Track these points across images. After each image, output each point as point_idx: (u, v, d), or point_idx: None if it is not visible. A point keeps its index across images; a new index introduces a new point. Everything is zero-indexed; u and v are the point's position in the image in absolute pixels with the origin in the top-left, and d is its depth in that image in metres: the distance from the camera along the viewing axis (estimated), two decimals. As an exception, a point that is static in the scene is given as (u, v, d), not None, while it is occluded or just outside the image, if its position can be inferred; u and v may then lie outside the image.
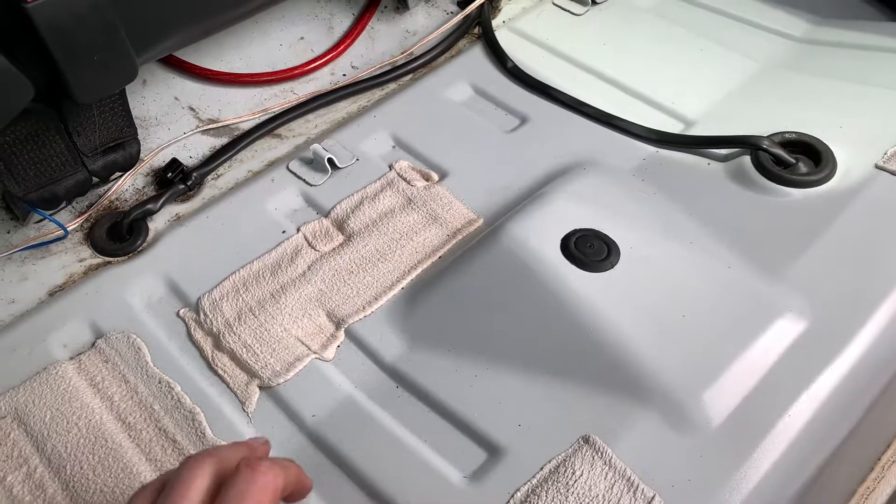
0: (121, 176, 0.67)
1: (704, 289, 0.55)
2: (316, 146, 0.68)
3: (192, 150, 0.71)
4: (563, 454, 0.48)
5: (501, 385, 0.52)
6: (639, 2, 0.86)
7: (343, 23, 0.82)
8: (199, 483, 0.35)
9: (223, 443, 0.50)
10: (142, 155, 0.67)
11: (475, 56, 0.80)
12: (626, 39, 0.81)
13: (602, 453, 0.47)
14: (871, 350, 0.52)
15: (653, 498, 0.45)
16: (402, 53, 0.81)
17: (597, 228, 0.57)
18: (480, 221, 0.64)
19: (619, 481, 0.46)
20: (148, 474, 0.49)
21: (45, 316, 0.58)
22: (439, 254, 0.62)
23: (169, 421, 0.52)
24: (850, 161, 0.64)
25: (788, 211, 0.61)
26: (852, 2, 0.84)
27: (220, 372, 0.54)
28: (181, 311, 0.58)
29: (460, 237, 0.63)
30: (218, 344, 0.56)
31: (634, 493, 0.45)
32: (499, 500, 0.46)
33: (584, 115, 0.72)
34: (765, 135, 0.65)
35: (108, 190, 0.66)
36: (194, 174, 0.67)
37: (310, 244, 0.62)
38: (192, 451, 0.49)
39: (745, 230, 0.60)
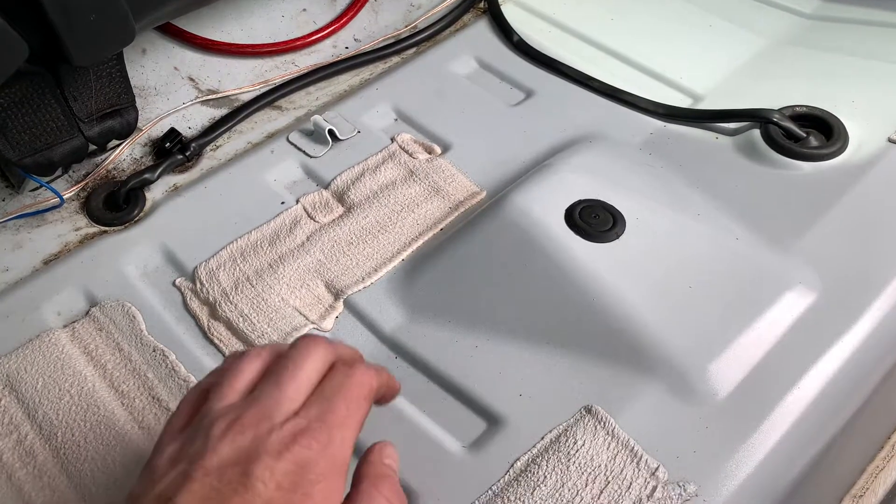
0: (118, 144, 0.66)
1: (712, 260, 0.53)
2: (317, 117, 0.66)
3: (192, 121, 0.69)
4: (564, 424, 0.46)
5: (502, 355, 0.51)
6: (647, -23, 0.84)
7: (346, -5, 0.81)
8: (311, 365, 0.36)
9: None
10: (140, 125, 0.66)
11: (480, 30, 0.79)
12: (633, 14, 0.79)
13: (605, 423, 0.46)
14: (881, 324, 0.51)
15: (657, 469, 0.44)
16: (406, 27, 0.79)
17: (602, 199, 0.56)
18: (483, 194, 0.63)
19: (622, 451, 0.44)
20: (141, 442, 0.48)
21: (40, 284, 0.57)
22: (441, 226, 0.60)
23: (163, 389, 0.51)
24: (863, 135, 0.62)
25: (799, 184, 0.60)
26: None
27: (216, 341, 0.53)
28: (177, 281, 0.57)
29: (462, 210, 0.61)
30: (214, 313, 0.55)
31: (638, 463, 0.44)
32: (499, 470, 0.45)
33: (591, 89, 0.71)
34: (775, 108, 0.64)
35: (106, 159, 0.65)
36: (193, 144, 0.66)
37: (309, 215, 0.61)
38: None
39: (753, 203, 0.58)
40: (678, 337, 0.49)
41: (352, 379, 0.36)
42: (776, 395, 0.47)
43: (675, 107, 0.68)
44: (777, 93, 0.67)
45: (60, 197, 0.61)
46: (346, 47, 0.78)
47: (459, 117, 0.69)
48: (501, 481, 0.44)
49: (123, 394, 0.51)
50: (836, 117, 0.63)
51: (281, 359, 0.37)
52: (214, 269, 0.57)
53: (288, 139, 0.67)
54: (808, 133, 0.62)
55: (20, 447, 0.48)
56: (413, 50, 0.78)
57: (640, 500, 0.42)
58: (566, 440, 0.45)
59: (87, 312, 0.55)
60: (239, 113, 0.69)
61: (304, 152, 0.66)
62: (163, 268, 0.58)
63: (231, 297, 0.55)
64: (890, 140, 0.61)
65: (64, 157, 0.59)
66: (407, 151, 0.66)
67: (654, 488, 0.43)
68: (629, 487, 0.43)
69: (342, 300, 0.56)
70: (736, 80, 0.71)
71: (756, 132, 0.63)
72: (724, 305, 0.51)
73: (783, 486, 0.45)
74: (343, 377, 0.36)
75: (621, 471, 0.44)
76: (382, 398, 0.40)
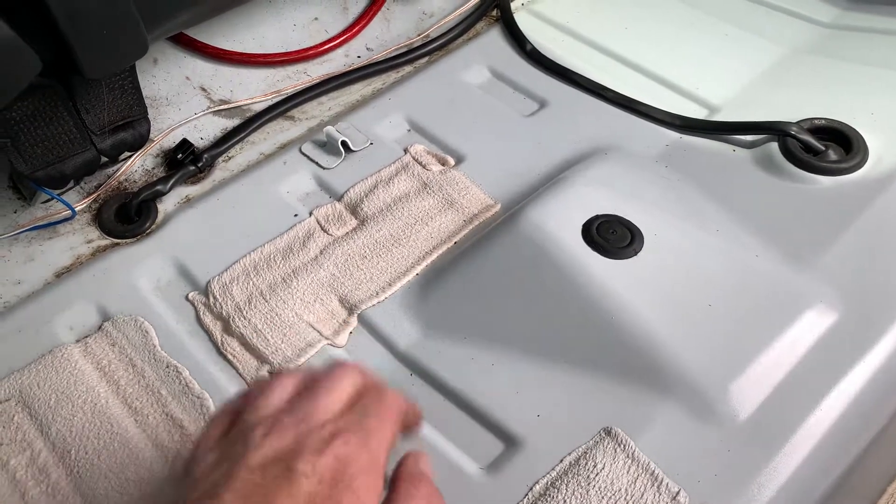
0: (130, 156, 0.65)
1: (731, 278, 0.53)
2: (329, 128, 0.66)
3: (203, 131, 0.69)
4: (583, 446, 0.46)
5: (519, 374, 0.50)
6: (661, -15, 0.83)
7: (358, 3, 0.80)
8: (344, 387, 0.37)
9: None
10: (152, 135, 0.65)
11: (493, 39, 0.78)
12: (648, 23, 0.79)
13: (625, 446, 0.45)
14: (904, 343, 0.50)
15: (678, 493, 0.43)
16: (419, 35, 0.79)
17: (619, 214, 0.55)
18: (498, 207, 0.62)
19: (643, 475, 0.44)
20: (154, 460, 0.48)
21: (52, 297, 0.56)
22: (455, 239, 0.60)
23: (176, 406, 0.50)
24: (883, 148, 0.61)
25: (818, 199, 0.59)
26: (882, -13, 0.82)
27: (230, 357, 0.53)
28: (190, 295, 0.57)
29: (477, 223, 0.61)
30: (227, 328, 0.54)
31: (658, 487, 0.43)
32: (517, 493, 0.44)
33: (605, 99, 0.70)
34: (793, 121, 0.63)
35: (117, 170, 0.65)
36: (205, 155, 0.65)
37: (322, 228, 0.61)
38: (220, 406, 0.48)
39: (772, 218, 0.58)
40: (698, 356, 0.48)
41: (383, 398, 0.37)
42: (798, 416, 0.47)
43: (691, 118, 0.67)
44: (795, 104, 0.67)
45: (72, 209, 0.61)
46: (359, 56, 0.77)
47: (473, 128, 0.69)
48: (520, 505, 0.44)
49: (137, 410, 0.50)
50: (855, 130, 0.62)
51: (314, 380, 0.38)
52: (227, 283, 0.57)
53: (301, 150, 0.67)
54: (827, 146, 0.62)
55: (33, 465, 0.48)
56: (425, 59, 0.77)
57: (662, 525, 0.42)
58: (586, 463, 0.45)
59: (100, 327, 0.55)
60: (251, 123, 0.69)
61: (316, 163, 0.66)
62: (175, 281, 0.58)
63: (244, 312, 0.55)
64: (911, 154, 0.60)
65: (76, 170, 0.59)
66: (420, 163, 0.65)
67: (676, 513, 0.42)
68: (650, 512, 0.42)
69: (356, 315, 0.55)
70: (753, 90, 0.70)
71: (774, 145, 0.63)
72: (743, 324, 0.50)
73: (806, 510, 0.44)
74: (374, 397, 0.37)
75: (642, 495, 0.43)
76: (408, 425, 0.40)
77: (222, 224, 0.61)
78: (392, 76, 0.75)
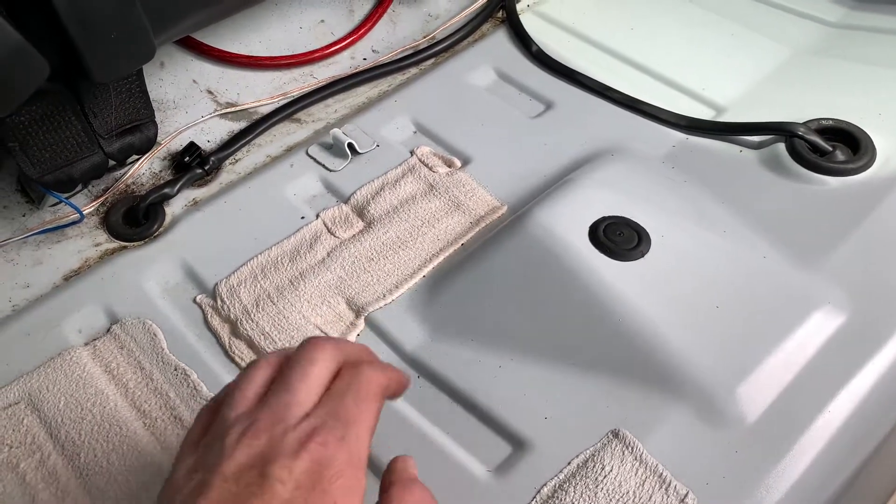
0: (137, 159, 0.66)
1: (738, 279, 0.53)
2: (336, 131, 0.66)
3: (210, 134, 0.69)
4: (591, 448, 0.46)
5: (527, 376, 0.50)
6: (667, -14, 0.83)
7: (364, 6, 0.80)
8: (320, 367, 0.36)
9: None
10: (159, 138, 0.66)
11: (499, 40, 0.78)
12: (654, 24, 0.79)
13: (632, 448, 0.45)
14: (913, 345, 0.50)
15: (686, 495, 0.43)
16: (424, 37, 0.79)
17: (626, 216, 0.55)
18: (504, 209, 0.62)
19: (651, 477, 0.44)
20: (163, 463, 0.48)
21: (60, 301, 0.56)
22: (462, 241, 0.60)
23: (185, 409, 0.50)
24: (891, 149, 0.61)
25: (825, 200, 0.59)
26: (890, -14, 0.82)
27: (238, 359, 0.53)
28: (198, 298, 0.57)
29: (483, 225, 0.61)
30: (235, 331, 0.55)
31: (667, 490, 0.43)
32: (525, 496, 0.44)
33: (612, 100, 0.70)
34: (800, 121, 0.63)
35: (125, 174, 0.65)
36: (212, 158, 0.66)
37: (329, 230, 0.61)
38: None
39: (780, 219, 0.58)
40: (705, 358, 0.48)
41: (360, 377, 0.36)
42: (806, 418, 0.46)
43: (697, 119, 0.67)
44: (802, 104, 0.67)
45: (80, 213, 0.61)
46: (365, 59, 0.77)
47: (479, 130, 0.69)
48: (528, 508, 0.44)
49: (145, 413, 0.50)
50: (862, 130, 0.62)
51: (289, 363, 0.36)
52: (235, 285, 0.57)
53: (307, 153, 0.67)
54: (835, 147, 0.61)
55: (43, 467, 0.48)
56: (431, 61, 0.77)
57: (670, 527, 0.42)
58: (593, 465, 0.45)
59: (109, 330, 0.55)
60: (258, 126, 0.69)
61: (323, 166, 0.66)
62: (183, 284, 0.58)
63: (252, 315, 0.55)
64: (919, 154, 0.60)
65: (84, 173, 0.59)
66: (427, 165, 0.66)
67: (684, 515, 0.42)
68: (658, 514, 0.42)
69: (363, 317, 0.55)
70: (759, 90, 0.70)
71: (781, 146, 0.63)
72: (751, 326, 0.50)
73: (814, 512, 0.44)
74: (351, 377, 0.36)
75: (650, 497, 0.43)
76: (393, 394, 0.40)
77: (229, 226, 0.61)
78: (398, 78, 0.75)
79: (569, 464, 0.45)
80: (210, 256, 0.59)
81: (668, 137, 0.67)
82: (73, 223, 0.62)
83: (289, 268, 0.58)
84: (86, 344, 0.54)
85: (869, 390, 0.48)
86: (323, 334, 0.54)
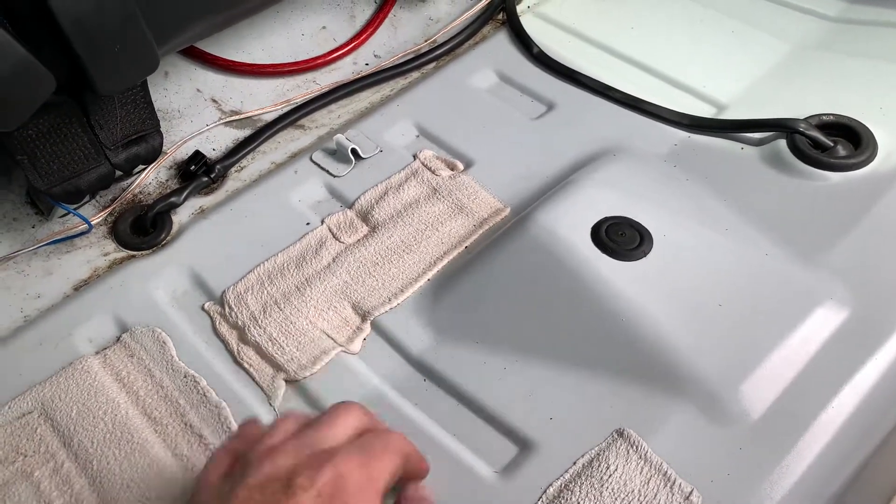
0: (144, 169, 0.66)
1: (741, 277, 0.53)
2: (339, 136, 0.67)
3: (215, 142, 0.70)
4: (596, 448, 0.46)
5: (531, 377, 0.51)
6: (667, -16, 0.83)
7: (365, 11, 0.81)
8: (347, 423, 0.38)
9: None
10: (165, 147, 0.66)
11: (500, 42, 0.79)
12: (654, 22, 0.79)
13: (637, 447, 0.45)
14: (916, 339, 0.50)
15: (691, 492, 0.43)
16: (426, 41, 0.79)
17: (628, 216, 0.56)
18: (507, 211, 0.62)
19: (656, 476, 0.44)
20: (175, 469, 0.49)
21: (71, 310, 0.57)
22: (465, 244, 0.60)
23: (195, 415, 0.51)
24: (892, 143, 0.61)
25: (827, 195, 0.59)
26: (890, -21, 0.82)
27: (246, 366, 0.54)
28: (206, 305, 0.58)
29: (487, 227, 0.61)
30: (243, 337, 0.55)
31: (671, 487, 0.44)
32: (531, 496, 0.45)
33: (613, 100, 0.71)
34: (801, 117, 0.63)
35: (132, 183, 0.66)
36: (217, 166, 0.66)
37: (334, 236, 0.62)
38: (218, 446, 0.49)
39: (782, 216, 0.58)
40: (709, 356, 0.49)
41: (388, 435, 0.38)
42: (809, 414, 0.47)
43: (698, 117, 0.67)
44: (803, 100, 0.67)
45: (89, 223, 0.62)
46: (367, 64, 0.78)
47: (481, 132, 0.69)
48: (535, 508, 0.44)
49: (156, 420, 0.51)
50: (863, 125, 0.62)
51: (317, 417, 0.38)
52: (242, 292, 0.57)
53: (311, 159, 0.68)
54: (836, 142, 0.62)
55: (57, 476, 0.48)
56: (433, 64, 0.78)
57: (675, 525, 0.42)
58: (598, 465, 0.45)
59: (118, 339, 0.56)
60: (262, 133, 0.70)
61: (327, 171, 0.66)
62: (191, 292, 0.59)
63: (259, 321, 0.56)
64: (920, 148, 0.60)
65: (91, 184, 0.60)
66: (429, 168, 0.66)
67: (689, 513, 0.43)
68: (663, 512, 0.43)
69: (369, 322, 0.56)
70: (760, 87, 0.70)
71: (782, 142, 0.63)
72: (754, 323, 0.50)
73: (819, 508, 0.44)
74: (378, 433, 0.38)
75: (655, 495, 0.43)
76: (413, 472, 0.41)
77: (236, 234, 0.62)
78: (400, 82, 0.76)
79: (574, 463, 0.46)
80: (217, 264, 0.60)
81: (670, 136, 0.67)
82: (82, 233, 0.62)
83: (295, 274, 0.59)
84: (96, 353, 0.55)
85: (872, 386, 0.48)
86: (330, 339, 0.54)
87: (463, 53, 0.78)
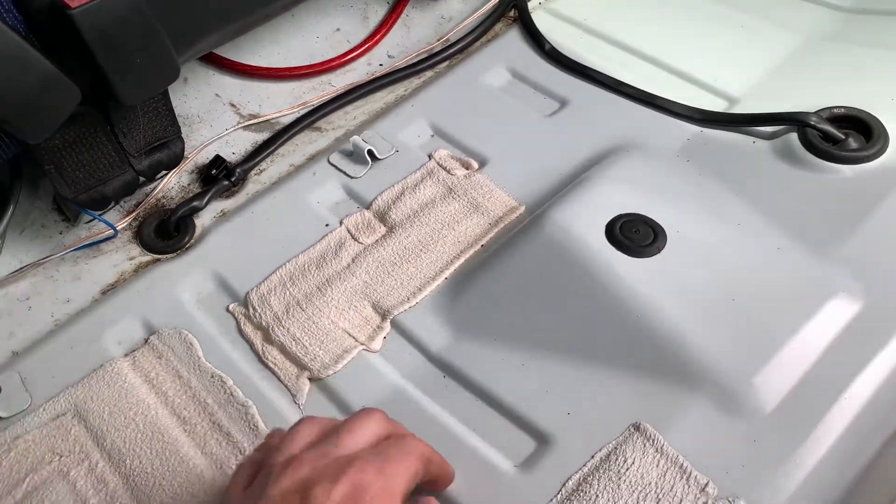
0: (166, 174, 0.68)
1: (754, 271, 0.54)
2: (355, 138, 0.68)
3: (235, 146, 0.71)
4: (613, 442, 0.47)
5: (549, 373, 0.52)
6: (677, -23, 0.84)
7: (378, 12, 0.82)
8: (368, 429, 0.39)
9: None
10: (186, 152, 0.68)
11: (512, 40, 0.79)
12: (665, 17, 0.79)
13: (653, 440, 0.47)
14: (929, 330, 0.51)
15: (706, 485, 0.44)
16: (438, 40, 0.80)
17: (642, 213, 0.57)
18: (522, 209, 0.63)
19: (672, 468, 0.45)
20: (205, 468, 0.50)
21: (100, 314, 0.59)
22: (482, 243, 0.61)
23: (223, 415, 0.53)
24: (904, 135, 0.62)
25: (839, 188, 0.60)
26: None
27: (271, 365, 0.55)
28: (230, 306, 0.59)
29: (502, 225, 0.62)
30: (267, 337, 0.57)
31: (687, 480, 0.45)
32: (550, 489, 0.46)
33: (626, 95, 0.71)
34: (812, 110, 0.64)
35: (155, 188, 0.68)
36: (238, 170, 0.68)
37: (353, 237, 0.63)
38: (247, 445, 0.50)
39: (793, 209, 0.58)
40: (723, 350, 0.50)
41: (407, 439, 0.39)
42: (823, 406, 0.48)
43: (710, 111, 0.68)
44: (814, 92, 0.67)
45: (114, 228, 0.63)
46: (381, 64, 0.79)
47: (495, 130, 0.70)
48: (554, 501, 0.45)
49: (185, 420, 0.53)
50: (875, 117, 0.63)
51: (340, 423, 0.39)
52: (265, 293, 0.59)
53: (329, 160, 0.69)
54: (847, 135, 0.62)
55: (92, 475, 0.50)
56: (446, 63, 0.79)
57: (691, 516, 0.43)
58: (616, 458, 0.46)
59: (146, 341, 0.57)
60: (280, 136, 0.71)
61: (344, 173, 0.68)
62: (216, 294, 0.60)
63: (283, 322, 0.57)
64: (932, 139, 0.61)
65: (116, 191, 0.62)
66: (445, 168, 0.67)
67: (705, 504, 0.44)
68: (680, 504, 0.44)
69: (389, 320, 0.57)
70: (772, 80, 0.71)
71: (794, 135, 0.63)
72: (767, 317, 0.51)
73: (833, 498, 0.45)
74: (398, 438, 0.39)
75: (671, 488, 0.44)
76: (436, 480, 0.42)
77: (257, 236, 0.63)
78: (414, 82, 0.77)
79: (592, 457, 0.47)
80: (240, 266, 0.61)
81: (683, 131, 0.68)
82: (108, 239, 0.64)
83: (316, 274, 0.60)
84: (125, 355, 0.56)
85: (886, 377, 0.49)
86: (352, 338, 0.56)
87: (475, 52, 0.79)
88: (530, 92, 0.74)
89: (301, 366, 0.55)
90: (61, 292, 0.61)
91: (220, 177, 0.67)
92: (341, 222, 0.64)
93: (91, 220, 0.65)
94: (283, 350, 0.56)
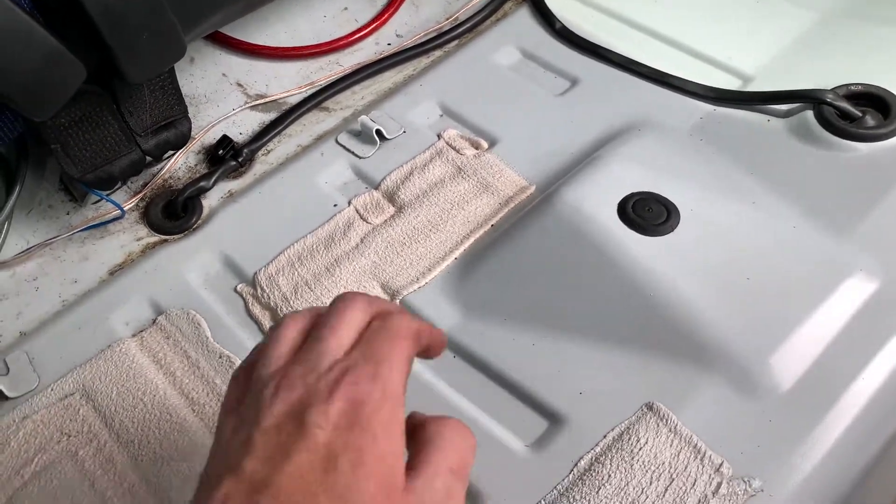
0: (173, 154, 0.67)
1: (769, 250, 0.53)
2: (363, 118, 0.67)
3: (242, 126, 0.71)
4: (626, 422, 0.47)
5: (560, 353, 0.51)
6: (690, -45, 0.82)
7: (386, -10, 0.81)
8: (351, 320, 0.36)
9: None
10: (193, 133, 0.67)
11: (522, 18, 0.78)
12: (677, -6, 0.78)
13: (667, 420, 0.46)
14: (947, 309, 0.50)
15: (721, 465, 0.44)
16: (447, 19, 0.79)
17: (655, 191, 0.56)
18: (532, 188, 0.63)
19: (686, 448, 0.45)
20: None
21: (107, 294, 0.59)
22: (491, 222, 0.61)
23: (231, 395, 0.52)
24: (922, 112, 0.61)
25: (856, 166, 0.59)
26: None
27: (279, 346, 0.55)
28: (238, 287, 0.59)
29: (512, 205, 0.62)
30: (276, 318, 0.56)
31: (702, 460, 0.44)
32: (562, 469, 0.46)
33: (638, 74, 0.70)
34: (828, 88, 0.63)
35: (162, 169, 0.67)
36: (245, 150, 0.67)
37: (361, 217, 0.62)
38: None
39: (809, 188, 0.58)
40: (738, 330, 0.49)
41: (391, 321, 0.36)
42: (839, 386, 0.47)
43: (724, 90, 0.67)
44: (830, 70, 0.66)
45: (121, 209, 0.63)
46: (389, 44, 0.78)
47: (505, 110, 0.69)
48: (566, 480, 0.45)
49: (193, 400, 0.52)
50: (893, 94, 0.62)
51: (321, 318, 0.37)
52: (273, 274, 0.58)
53: (336, 140, 0.68)
54: (865, 112, 0.61)
55: (100, 455, 0.50)
56: (455, 42, 0.78)
57: (706, 496, 0.43)
58: (629, 438, 0.46)
59: (154, 321, 0.57)
60: (287, 116, 0.70)
61: (352, 153, 0.67)
62: (223, 274, 0.60)
63: (291, 302, 0.57)
64: (951, 116, 0.59)
65: (123, 171, 0.61)
66: (454, 148, 0.66)
67: (719, 484, 0.43)
68: (694, 484, 0.43)
69: (398, 300, 0.57)
70: (786, 58, 0.70)
71: (809, 113, 0.62)
72: (783, 296, 0.50)
73: (849, 479, 0.44)
74: (382, 321, 0.36)
75: (685, 468, 0.44)
76: (429, 348, 0.39)
77: (265, 216, 0.63)
78: (423, 61, 0.76)
79: (604, 437, 0.46)
80: (248, 246, 0.61)
81: (696, 109, 0.67)
82: (115, 219, 0.64)
83: (324, 255, 0.59)
84: (133, 335, 0.56)
85: (903, 357, 0.48)
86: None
87: (485, 31, 0.78)
88: (541, 71, 0.73)
89: (310, 346, 0.54)
90: (69, 273, 0.61)
91: (227, 157, 0.67)
92: (350, 202, 0.63)
93: (98, 201, 0.65)
94: (292, 330, 0.55)
